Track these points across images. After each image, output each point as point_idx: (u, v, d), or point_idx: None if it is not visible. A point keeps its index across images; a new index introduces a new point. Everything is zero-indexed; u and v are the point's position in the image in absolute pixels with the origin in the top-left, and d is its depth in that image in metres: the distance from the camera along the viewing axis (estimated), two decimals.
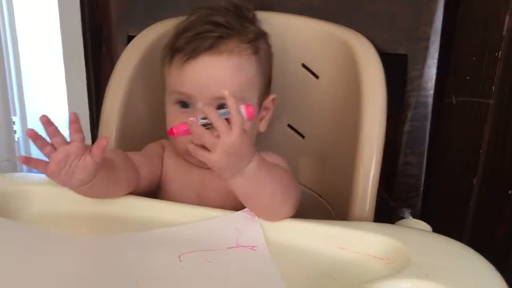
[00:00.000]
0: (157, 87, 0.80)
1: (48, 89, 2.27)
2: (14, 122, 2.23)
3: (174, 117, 0.70)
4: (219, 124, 0.56)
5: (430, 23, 0.82)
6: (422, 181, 0.85)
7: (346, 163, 0.77)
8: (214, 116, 0.56)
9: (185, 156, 0.72)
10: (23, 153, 2.31)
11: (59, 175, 0.56)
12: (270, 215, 0.62)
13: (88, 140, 1.41)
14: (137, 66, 0.80)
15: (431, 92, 0.83)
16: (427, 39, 0.82)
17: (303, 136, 0.85)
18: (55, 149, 0.55)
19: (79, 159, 0.57)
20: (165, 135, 0.79)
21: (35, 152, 1.94)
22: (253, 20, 0.76)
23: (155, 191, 0.75)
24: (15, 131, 2.24)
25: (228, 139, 0.56)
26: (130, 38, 0.93)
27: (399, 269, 0.52)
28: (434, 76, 0.83)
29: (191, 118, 0.59)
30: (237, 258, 0.58)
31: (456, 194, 0.88)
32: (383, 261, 0.57)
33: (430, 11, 0.82)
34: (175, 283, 0.53)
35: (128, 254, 0.57)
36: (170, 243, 0.60)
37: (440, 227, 0.67)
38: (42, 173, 0.56)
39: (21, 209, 0.65)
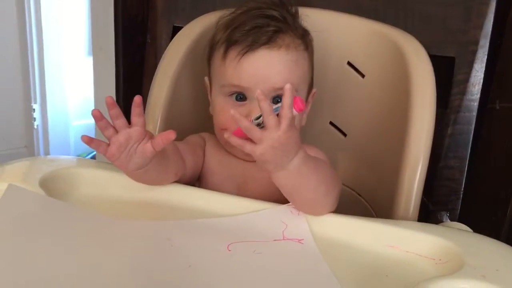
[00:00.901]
0: (201, 79, 0.80)
1: (71, 78, 2.29)
2: (34, 109, 2.27)
3: (227, 110, 0.69)
4: (269, 118, 0.56)
5: (480, 26, 0.81)
6: (463, 185, 0.84)
7: (389, 164, 0.76)
8: (266, 109, 0.56)
9: (230, 148, 0.72)
10: (41, 140, 2.34)
11: (119, 158, 0.57)
12: (312, 210, 0.62)
13: None
14: (184, 57, 0.81)
15: (477, 96, 0.82)
16: (476, 42, 0.82)
17: (345, 134, 0.85)
18: (117, 131, 0.56)
19: (139, 144, 0.57)
20: (209, 128, 0.80)
21: (54, 141, 1.97)
22: (296, 15, 0.76)
23: (194, 182, 0.76)
24: (34, 118, 2.27)
25: (275, 134, 0.55)
26: (175, 29, 0.94)
27: (453, 270, 0.52)
28: (481, 81, 0.82)
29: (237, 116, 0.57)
30: (285, 251, 0.58)
31: (495, 200, 0.88)
32: (435, 261, 0.56)
33: (481, 14, 0.81)
34: (226, 271, 0.53)
35: (177, 241, 0.57)
36: (217, 233, 0.60)
37: (477, 232, 0.67)
38: (102, 154, 0.56)
39: (70, 191, 0.65)
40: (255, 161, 0.72)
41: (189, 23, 0.84)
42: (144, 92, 1.09)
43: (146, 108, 0.80)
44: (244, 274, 0.53)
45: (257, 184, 0.72)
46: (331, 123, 0.86)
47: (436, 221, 0.81)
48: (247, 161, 0.73)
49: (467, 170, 0.84)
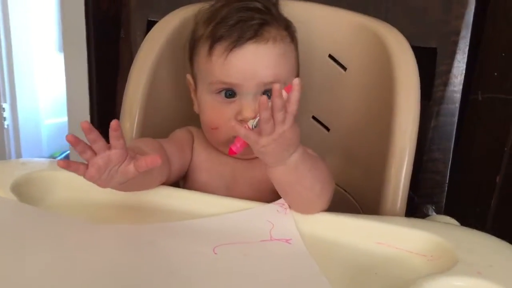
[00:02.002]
0: (180, 74, 0.77)
1: (41, 75, 2.22)
2: (4, 108, 2.19)
3: (218, 108, 0.67)
4: (279, 114, 0.53)
5: (461, 16, 0.80)
6: (447, 178, 0.84)
7: (374, 157, 0.75)
8: (278, 105, 0.53)
9: (220, 146, 0.70)
10: (12, 141, 2.27)
11: (98, 180, 0.54)
12: (305, 208, 0.61)
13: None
14: (161, 51, 0.78)
15: (460, 87, 0.81)
16: (457, 33, 0.81)
17: (328, 129, 0.83)
18: (95, 153, 0.53)
19: (120, 165, 0.54)
20: (190, 122, 0.77)
21: (25, 141, 1.90)
22: (277, 6, 0.74)
23: (179, 180, 0.73)
24: (4, 117, 2.19)
25: (281, 128, 0.54)
26: (150, 23, 0.91)
27: (447, 266, 0.50)
28: (464, 71, 0.81)
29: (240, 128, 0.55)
30: (273, 252, 0.56)
31: (479, 191, 0.87)
32: (426, 257, 0.55)
33: (461, 4, 0.80)
34: (212, 276, 0.51)
35: (161, 244, 0.55)
36: (202, 235, 0.58)
37: (463, 224, 0.66)
38: (81, 176, 0.53)
39: (44, 196, 0.62)
40: (245, 160, 0.71)
41: (165, 17, 0.81)
42: (119, 88, 1.06)
43: (122, 105, 0.77)
44: (232, 279, 0.51)
45: (246, 183, 0.70)
46: (313, 117, 0.84)
47: (422, 214, 0.80)
48: (237, 159, 0.70)
49: (451, 163, 0.83)
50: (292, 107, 0.54)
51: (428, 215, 0.84)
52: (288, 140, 0.55)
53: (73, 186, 0.64)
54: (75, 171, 0.53)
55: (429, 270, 0.53)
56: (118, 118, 1.30)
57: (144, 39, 0.79)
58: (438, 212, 0.84)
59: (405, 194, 0.68)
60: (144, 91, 0.76)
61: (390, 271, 0.54)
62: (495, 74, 0.84)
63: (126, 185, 0.58)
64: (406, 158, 0.68)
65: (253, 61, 0.66)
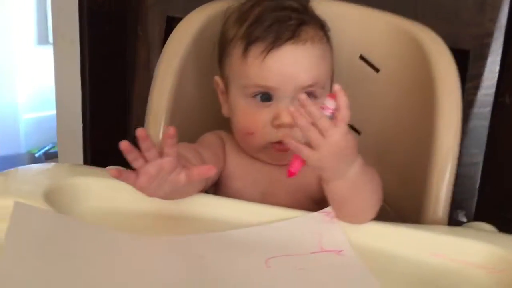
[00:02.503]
0: (208, 77, 0.74)
1: (20, 69, 2.15)
2: None
3: (253, 113, 0.64)
4: (324, 121, 0.51)
5: (494, 19, 0.78)
6: (478, 183, 0.82)
7: (410, 163, 0.73)
8: (317, 114, 0.51)
9: (256, 154, 0.67)
10: None
11: (148, 189, 0.51)
12: (358, 219, 0.58)
13: (79, 125, 1.33)
14: (187, 52, 0.74)
15: (492, 90, 0.80)
16: (490, 35, 0.79)
17: (359, 132, 0.80)
18: (146, 161, 0.50)
19: (170, 173, 0.51)
20: (218, 126, 0.74)
21: (3, 136, 1.81)
22: (306, 5, 0.71)
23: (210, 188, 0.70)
24: None
25: (334, 137, 0.51)
26: (169, 20, 0.87)
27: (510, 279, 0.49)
28: (496, 74, 0.79)
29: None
30: (326, 264, 0.54)
31: (508, 197, 0.86)
32: (486, 270, 0.53)
33: (495, 6, 0.78)
34: None
35: (211, 258, 0.51)
36: (251, 246, 0.55)
37: None
38: (131, 185, 0.50)
39: (76, 205, 0.58)
40: (281, 166, 0.68)
41: (189, 14, 0.76)
42: (129, 87, 1.01)
43: (147, 109, 0.73)
44: None
45: (283, 191, 0.67)
46: None
47: (452, 220, 0.78)
48: (272, 165, 0.67)
49: (482, 168, 0.81)
50: (343, 112, 0.51)
51: (459, 221, 0.82)
52: (344, 149, 0.52)
53: (103, 194, 0.60)
54: (126, 180, 0.50)
55: (492, 283, 0.51)
56: (111, 116, 1.26)
57: (169, 39, 0.74)
58: (468, 218, 0.83)
59: (448, 203, 0.66)
60: (170, 95, 0.72)
61: (451, 285, 0.52)
62: None
63: (171, 194, 0.54)
64: (450, 165, 0.66)
65: (291, 64, 0.63)
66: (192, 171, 0.52)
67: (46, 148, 2.09)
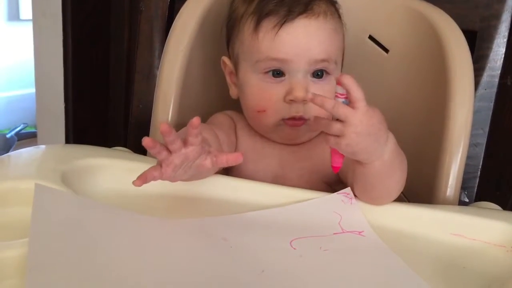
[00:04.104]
0: (213, 57, 0.72)
1: None
2: None
3: (265, 89, 0.63)
4: (339, 108, 0.51)
5: (502, 0, 0.78)
6: (480, 164, 0.83)
7: (421, 143, 0.73)
8: (330, 105, 0.51)
9: (268, 133, 0.66)
10: None
11: (173, 177, 0.51)
12: (384, 201, 0.58)
13: (60, 104, 1.29)
14: (194, 32, 0.72)
15: (498, 72, 0.80)
16: (498, 17, 0.79)
17: None
18: (170, 152, 0.49)
19: (195, 160, 0.51)
20: (224, 106, 0.73)
21: None
22: None
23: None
24: None
25: (354, 118, 0.50)
26: None
27: None
28: (503, 56, 0.80)
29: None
30: (350, 245, 0.54)
31: (500, 176, 0.88)
32: (505, 248, 0.54)
33: None
34: (301, 274, 0.47)
35: (236, 241, 0.51)
36: (274, 228, 0.54)
37: None
38: (158, 178, 0.50)
39: (93, 187, 0.56)
40: (294, 146, 0.67)
41: None
42: (130, 64, 0.99)
43: (156, 90, 0.71)
44: (323, 277, 0.48)
45: (296, 174, 0.67)
46: None
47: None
48: (285, 145, 0.66)
49: (485, 148, 0.83)
50: (355, 93, 0.51)
51: (462, 201, 0.83)
52: (371, 127, 0.52)
53: (116, 175, 0.58)
54: (155, 179, 0.50)
55: (510, 261, 0.52)
56: (94, 95, 1.23)
57: (176, 18, 0.72)
58: (469, 198, 0.84)
59: (459, 183, 0.67)
60: (179, 76, 0.70)
61: (474, 264, 0.52)
62: None
63: (194, 177, 0.54)
64: (462, 144, 0.67)
65: (305, 37, 0.62)
66: (220, 158, 0.52)
67: (18, 129, 2.04)
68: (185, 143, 0.50)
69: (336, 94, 0.53)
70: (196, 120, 0.49)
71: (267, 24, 0.62)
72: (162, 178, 0.50)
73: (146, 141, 0.47)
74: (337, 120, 0.52)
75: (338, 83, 0.52)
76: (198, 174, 0.55)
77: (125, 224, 0.50)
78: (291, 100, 0.62)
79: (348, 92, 0.51)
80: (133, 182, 0.48)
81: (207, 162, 0.52)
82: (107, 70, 1.27)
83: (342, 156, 0.54)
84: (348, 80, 0.51)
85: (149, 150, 0.48)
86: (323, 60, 0.63)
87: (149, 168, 0.50)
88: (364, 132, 0.51)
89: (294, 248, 0.51)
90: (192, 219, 0.54)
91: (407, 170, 0.63)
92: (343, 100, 0.52)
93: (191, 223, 0.53)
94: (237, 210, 0.57)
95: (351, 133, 0.51)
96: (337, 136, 0.51)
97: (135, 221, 0.50)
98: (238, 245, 0.50)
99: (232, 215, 0.56)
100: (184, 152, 0.49)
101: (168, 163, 0.49)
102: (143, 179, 0.49)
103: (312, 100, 0.52)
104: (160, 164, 0.49)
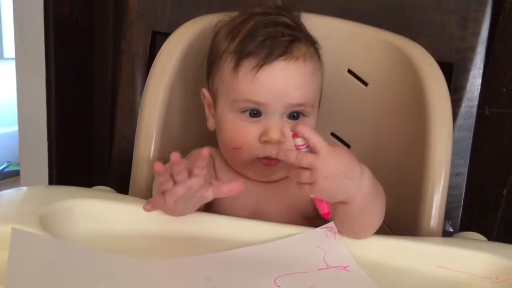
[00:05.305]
0: (194, 90, 0.73)
1: None
2: None
3: (242, 127, 0.63)
4: (302, 158, 0.52)
5: (476, 33, 0.81)
6: (463, 193, 0.84)
7: (402, 174, 0.74)
8: (293, 156, 0.53)
9: (243, 169, 0.66)
10: None
11: (173, 209, 0.53)
12: (365, 235, 0.58)
13: (43, 142, 1.28)
14: (177, 66, 0.72)
15: (476, 102, 0.82)
16: (473, 49, 0.81)
17: (348, 146, 0.81)
18: (175, 183, 0.50)
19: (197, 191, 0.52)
20: (205, 140, 0.72)
21: None
22: (299, 21, 0.71)
23: None
24: None
25: (318, 163, 0.52)
26: (154, 35, 0.85)
27: None
28: (479, 87, 0.82)
29: None
30: (335, 281, 0.53)
31: (485, 205, 0.89)
32: (490, 280, 0.54)
33: (477, 21, 0.81)
34: None
35: (219, 279, 0.50)
36: (258, 265, 0.54)
37: None
38: (161, 208, 0.53)
39: (69, 229, 0.55)
40: (271, 183, 0.67)
41: (179, 28, 0.75)
42: (115, 102, 0.98)
43: (138, 124, 0.71)
44: None
45: (274, 210, 0.66)
46: (332, 133, 0.82)
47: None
48: (262, 183, 0.66)
49: (467, 177, 0.83)
50: (312, 139, 0.53)
51: (447, 231, 0.83)
52: (339, 167, 0.52)
53: (97, 216, 0.57)
54: (159, 207, 0.52)
55: None
56: (77, 133, 1.23)
57: (159, 52, 0.73)
58: (454, 228, 0.84)
59: (442, 214, 0.67)
60: (161, 110, 0.70)
61: None
62: (504, 89, 0.86)
63: (191, 209, 0.56)
64: (443, 175, 0.67)
65: (283, 80, 0.63)
66: (222, 187, 0.53)
67: (2, 167, 2.01)
68: (189, 174, 0.50)
69: (297, 147, 0.54)
70: (205, 151, 0.50)
71: (247, 65, 0.62)
72: (163, 208, 0.51)
73: (157, 167, 0.49)
74: (306, 168, 0.52)
75: (295, 135, 0.54)
76: (195, 206, 0.55)
77: (104, 266, 0.48)
78: (266, 141, 0.63)
79: (307, 140, 0.53)
80: (144, 207, 0.51)
81: (209, 192, 0.53)
82: (91, 108, 1.28)
83: (326, 201, 0.55)
84: (302, 128, 0.53)
85: (157, 176, 0.50)
86: (299, 105, 0.63)
87: (155, 196, 0.52)
88: (332, 174, 0.52)
89: (279, 286, 0.50)
90: (175, 258, 0.53)
91: (390, 200, 0.63)
92: (305, 149, 0.54)
93: (174, 263, 0.52)
94: (220, 247, 0.56)
95: (320, 179, 0.52)
96: (310, 183, 0.52)
97: (115, 263, 0.49)
98: (222, 284, 0.49)
99: (216, 253, 0.55)
100: (188, 183, 0.50)
101: (171, 193, 0.50)
102: (153, 204, 0.52)
103: (277, 155, 0.54)
104: (163, 193, 0.50)
